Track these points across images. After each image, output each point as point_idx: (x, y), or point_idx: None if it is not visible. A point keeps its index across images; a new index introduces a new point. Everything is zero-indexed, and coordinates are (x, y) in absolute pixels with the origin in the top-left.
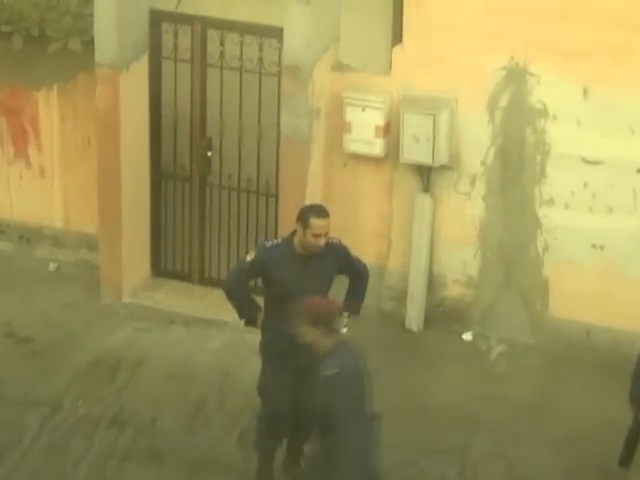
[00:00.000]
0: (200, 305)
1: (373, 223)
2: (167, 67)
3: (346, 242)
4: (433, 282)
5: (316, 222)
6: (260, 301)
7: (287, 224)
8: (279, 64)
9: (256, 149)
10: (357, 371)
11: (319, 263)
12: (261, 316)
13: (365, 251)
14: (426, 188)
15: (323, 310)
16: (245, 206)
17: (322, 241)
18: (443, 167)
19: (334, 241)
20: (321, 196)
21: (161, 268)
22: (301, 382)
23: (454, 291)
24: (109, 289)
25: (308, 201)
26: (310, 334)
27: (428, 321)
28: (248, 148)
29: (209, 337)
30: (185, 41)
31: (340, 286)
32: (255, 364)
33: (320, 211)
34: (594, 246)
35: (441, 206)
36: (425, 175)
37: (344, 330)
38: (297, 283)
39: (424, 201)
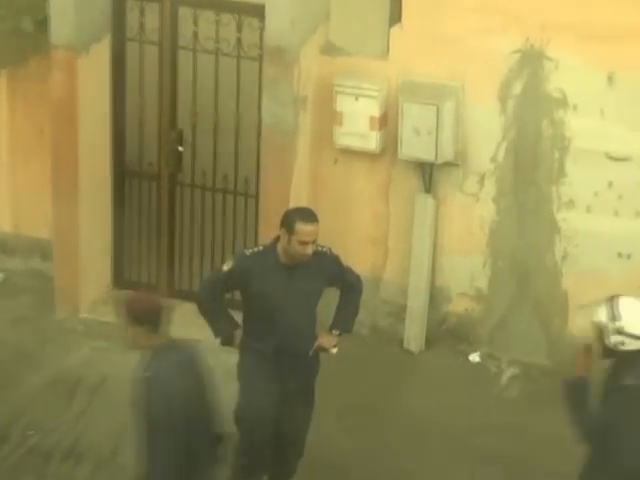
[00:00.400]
0: None
1: (367, 228)
2: (132, 50)
3: (337, 250)
4: (436, 296)
5: (303, 227)
6: (238, 317)
7: (269, 229)
8: (260, 46)
9: (233, 143)
10: (185, 378)
11: (306, 274)
12: (239, 334)
13: (358, 260)
14: (428, 188)
15: (147, 306)
16: (221, 208)
17: (309, 249)
18: (447, 164)
19: (323, 249)
20: (308, 197)
21: (124, 278)
22: (286, 409)
23: (460, 306)
24: (65, 302)
25: (293, 203)
26: (132, 332)
27: (430, 340)
28: (224, 142)
29: None
30: (153, 20)
31: (330, 298)
32: (232, 389)
33: (307, 215)
34: (620, 255)
35: (445, 208)
36: (427, 173)
37: (334, 350)
38: (281, 297)
39: (426, 203)
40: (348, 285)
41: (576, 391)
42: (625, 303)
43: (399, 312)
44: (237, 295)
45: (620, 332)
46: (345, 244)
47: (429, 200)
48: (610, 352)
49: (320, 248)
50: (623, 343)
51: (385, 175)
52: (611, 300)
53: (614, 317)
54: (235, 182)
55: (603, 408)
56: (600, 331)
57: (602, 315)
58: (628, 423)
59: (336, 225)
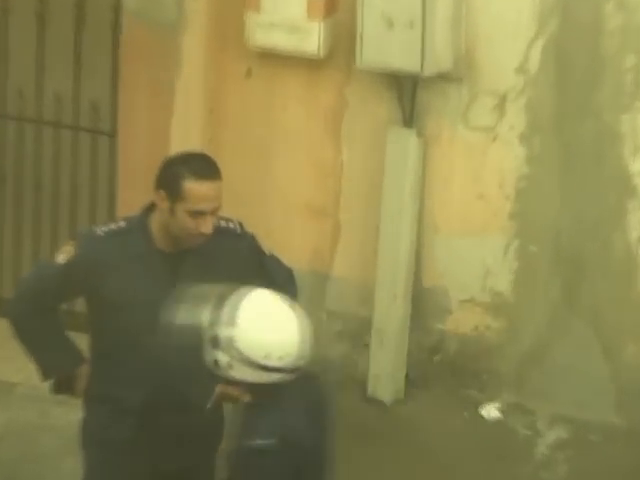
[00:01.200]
0: None
1: (305, 189)
2: None
3: (253, 228)
4: (424, 305)
5: (195, 188)
6: (83, 344)
7: (135, 190)
8: None
9: (72, 43)
10: None
11: (201, 268)
12: (84, 374)
13: (291, 244)
14: (409, 119)
15: None
16: (51, 154)
17: (207, 225)
18: (442, 79)
19: (230, 225)
20: (203, 135)
21: None
22: None
23: (465, 322)
24: None
25: (177, 146)
26: None
27: (414, 382)
28: (55, 40)
29: None
30: None
31: None
32: (71, 464)
33: (202, 167)
34: None
35: (438, 154)
36: (407, 94)
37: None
38: (157, 309)
39: (405, 145)
40: (274, 287)
41: None
42: (252, 301)
43: (360, 333)
44: (81, 306)
45: (229, 347)
46: (267, 217)
47: (411, 140)
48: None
49: (225, 223)
50: (231, 366)
51: (334, 97)
52: (228, 293)
53: (222, 320)
54: (76, 110)
55: None
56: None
57: (204, 314)
58: None
59: (252, 184)
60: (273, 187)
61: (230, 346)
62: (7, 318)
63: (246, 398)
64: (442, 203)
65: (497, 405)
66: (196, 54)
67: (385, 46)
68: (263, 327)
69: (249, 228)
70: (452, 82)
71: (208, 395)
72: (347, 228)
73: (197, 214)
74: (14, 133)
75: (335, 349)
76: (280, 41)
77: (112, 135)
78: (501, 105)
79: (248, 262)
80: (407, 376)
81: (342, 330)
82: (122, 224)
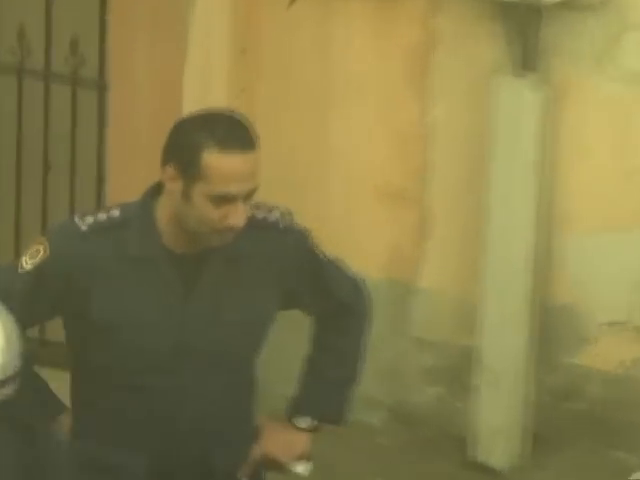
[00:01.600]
0: None
1: (378, 163)
2: None
3: (305, 221)
4: (550, 331)
5: (220, 163)
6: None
7: (131, 165)
8: None
9: None
10: None
11: (228, 277)
12: (64, 428)
13: (358, 242)
14: (525, 64)
15: None
16: (12, 111)
17: (238, 215)
18: (572, 7)
19: (272, 218)
20: (231, 87)
21: None
22: None
23: (610, 355)
24: None
25: (192, 102)
26: None
27: (539, 440)
28: None
29: None
30: None
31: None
32: None
33: (230, 132)
34: None
35: (568, 114)
36: (523, 29)
37: (300, 469)
38: (167, 336)
39: (521, 100)
40: (335, 305)
41: None
42: None
43: (460, 370)
44: (56, 333)
45: None
46: (324, 204)
47: (528, 93)
48: None
49: (263, 214)
50: None
51: (418, 32)
52: None
53: None
54: (48, 53)
55: None
56: None
57: None
58: None
59: (301, 156)
60: (331, 160)
61: None
62: None
63: (299, 469)
64: (575, 184)
65: None
66: None
67: None
68: None
69: (300, 224)
70: (586, 11)
71: (240, 460)
72: (439, 219)
73: (223, 200)
74: None
75: (424, 393)
76: None
77: (100, 87)
78: None
79: (296, 268)
80: (530, 432)
81: (434, 366)
82: (115, 214)
